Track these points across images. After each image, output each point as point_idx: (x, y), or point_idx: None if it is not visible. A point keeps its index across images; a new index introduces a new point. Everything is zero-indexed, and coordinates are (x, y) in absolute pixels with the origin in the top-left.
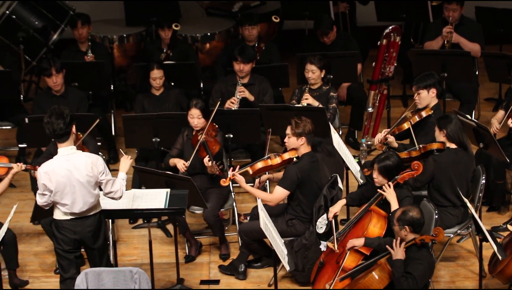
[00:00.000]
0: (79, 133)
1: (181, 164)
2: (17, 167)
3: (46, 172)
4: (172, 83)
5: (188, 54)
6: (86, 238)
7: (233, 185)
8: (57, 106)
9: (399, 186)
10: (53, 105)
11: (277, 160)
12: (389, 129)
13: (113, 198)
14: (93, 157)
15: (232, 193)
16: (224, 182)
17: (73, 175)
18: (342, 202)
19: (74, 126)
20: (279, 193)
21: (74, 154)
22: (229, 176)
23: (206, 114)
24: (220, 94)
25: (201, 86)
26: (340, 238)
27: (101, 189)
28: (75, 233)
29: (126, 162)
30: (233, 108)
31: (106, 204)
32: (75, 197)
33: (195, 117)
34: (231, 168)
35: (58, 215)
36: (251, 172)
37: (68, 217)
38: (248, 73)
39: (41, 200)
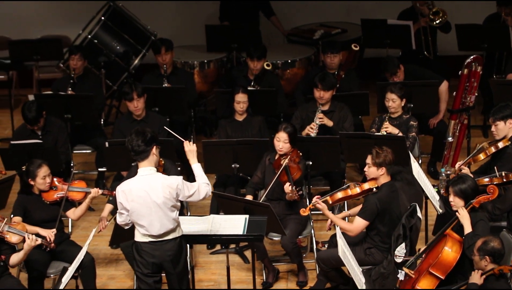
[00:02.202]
0: (161, 159)
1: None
2: (95, 192)
3: (124, 191)
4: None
5: (273, 85)
6: (165, 262)
7: (312, 212)
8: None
9: (475, 210)
10: None
11: (357, 190)
12: (464, 161)
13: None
14: (171, 180)
15: (311, 221)
16: (304, 212)
17: (149, 196)
18: None
19: (155, 148)
20: (359, 224)
21: (152, 175)
22: (308, 206)
23: (293, 139)
24: (300, 121)
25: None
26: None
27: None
28: (154, 257)
29: (191, 149)
30: (312, 134)
31: (185, 228)
32: (152, 219)
33: (281, 141)
34: (315, 196)
35: (138, 237)
36: (330, 202)
37: (148, 240)
38: (328, 100)
39: (119, 219)
